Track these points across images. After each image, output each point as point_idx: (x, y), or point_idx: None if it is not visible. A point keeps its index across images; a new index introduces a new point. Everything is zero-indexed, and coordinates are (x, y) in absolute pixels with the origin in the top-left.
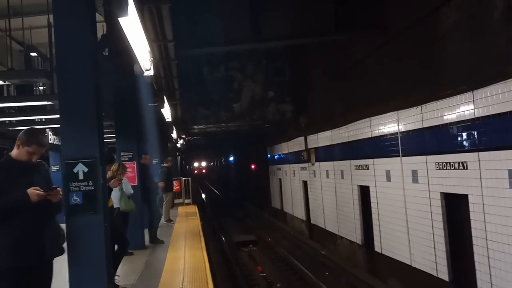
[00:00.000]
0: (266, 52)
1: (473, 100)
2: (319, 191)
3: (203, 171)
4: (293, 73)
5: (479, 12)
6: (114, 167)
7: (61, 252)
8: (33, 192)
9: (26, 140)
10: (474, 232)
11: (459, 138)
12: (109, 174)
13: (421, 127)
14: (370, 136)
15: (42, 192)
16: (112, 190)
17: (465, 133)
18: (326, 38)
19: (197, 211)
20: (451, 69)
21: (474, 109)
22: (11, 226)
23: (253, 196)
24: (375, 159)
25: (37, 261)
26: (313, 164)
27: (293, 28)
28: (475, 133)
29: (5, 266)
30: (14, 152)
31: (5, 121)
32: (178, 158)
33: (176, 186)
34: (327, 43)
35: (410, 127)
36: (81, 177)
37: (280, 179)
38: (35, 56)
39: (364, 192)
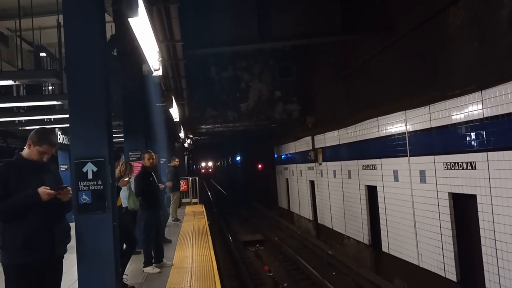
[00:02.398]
0: (273, 52)
1: (482, 100)
2: (326, 191)
3: (210, 170)
4: (299, 73)
5: (487, 12)
6: (122, 167)
7: (65, 251)
8: (44, 191)
9: (37, 140)
10: (482, 233)
11: (467, 138)
12: (116, 174)
13: (429, 127)
14: (377, 136)
15: (52, 191)
16: (120, 189)
17: (474, 133)
18: (333, 38)
19: (204, 211)
20: (460, 68)
21: (482, 109)
22: (23, 224)
23: (260, 196)
24: (382, 159)
25: (48, 258)
26: (320, 164)
27: (300, 28)
28: (484, 133)
29: (18, 262)
30: (25, 152)
31: (14, 120)
32: (186, 157)
33: (183, 185)
34: (334, 43)
35: (418, 127)
36: (90, 176)
37: (287, 179)
38: (44, 56)
39: (372, 192)
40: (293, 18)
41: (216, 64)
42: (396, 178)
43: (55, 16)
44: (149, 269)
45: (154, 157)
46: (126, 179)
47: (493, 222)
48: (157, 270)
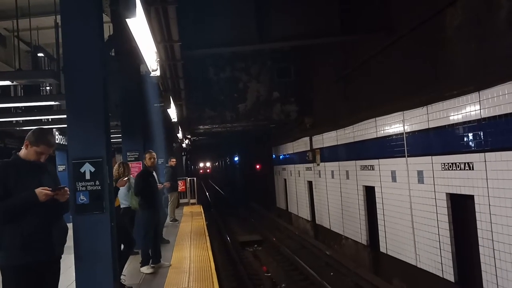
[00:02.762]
0: (272, 53)
1: (479, 101)
2: (324, 191)
3: (208, 171)
4: (298, 73)
5: (485, 12)
6: (120, 169)
7: (63, 251)
8: (41, 191)
9: (34, 140)
10: (480, 233)
11: (465, 139)
12: (115, 175)
13: (427, 127)
14: (375, 136)
15: (50, 192)
16: (119, 189)
17: (471, 134)
18: (332, 38)
19: (202, 211)
20: (459, 69)
21: (480, 109)
22: (22, 224)
23: (258, 196)
24: (380, 160)
25: (47, 257)
26: (318, 165)
27: (299, 29)
28: (481, 134)
29: (17, 263)
30: (23, 152)
31: (12, 121)
32: (184, 158)
33: (181, 186)
34: (333, 44)
35: (416, 127)
36: (88, 176)
37: (285, 179)
38: (42, 56)
39: (370, 192)
40: (292, 19)
41: (214, 65)
42: (394, 179)
43: (53, 17)
44: (146, 270)
45: (155, 157)
46: (125, 178)
47: (491, 222)
48: (155, 270)
